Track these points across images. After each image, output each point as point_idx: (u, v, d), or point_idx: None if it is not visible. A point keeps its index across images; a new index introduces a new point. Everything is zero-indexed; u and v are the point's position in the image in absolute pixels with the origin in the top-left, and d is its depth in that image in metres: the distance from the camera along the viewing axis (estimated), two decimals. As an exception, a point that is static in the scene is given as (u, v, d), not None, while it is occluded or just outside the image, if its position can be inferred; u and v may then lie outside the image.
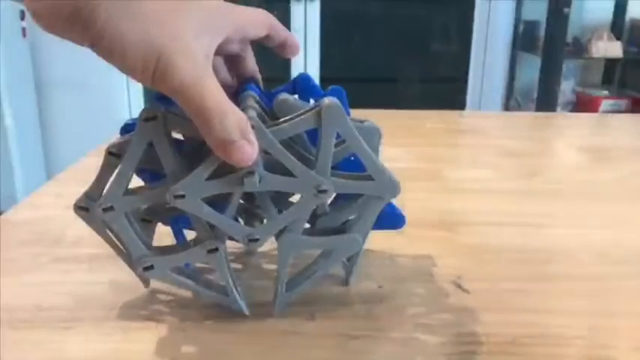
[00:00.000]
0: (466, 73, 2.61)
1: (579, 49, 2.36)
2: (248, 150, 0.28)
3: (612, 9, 2.46)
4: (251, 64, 0.37)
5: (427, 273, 0.41)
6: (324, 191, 0.31)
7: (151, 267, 0.33)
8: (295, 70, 2.41)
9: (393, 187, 0.33)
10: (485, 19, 2.51)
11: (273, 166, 0.31)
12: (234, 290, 0.34)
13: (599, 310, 0.37)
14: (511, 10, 2.48)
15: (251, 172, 0.30)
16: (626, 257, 0.44)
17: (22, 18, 2.12)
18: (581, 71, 2.58)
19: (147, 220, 0.37)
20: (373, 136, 0.34)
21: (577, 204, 0.55)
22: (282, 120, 0.31)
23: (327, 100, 0.30)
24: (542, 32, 2.26)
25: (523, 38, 2.49)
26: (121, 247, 0.35)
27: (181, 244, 0.36)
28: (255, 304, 0.36)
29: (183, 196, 0.30)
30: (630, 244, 0.46)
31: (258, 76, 0.37)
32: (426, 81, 2.84)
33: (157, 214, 0.37)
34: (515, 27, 2.50)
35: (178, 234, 0.39)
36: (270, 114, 0.33)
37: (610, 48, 2.31)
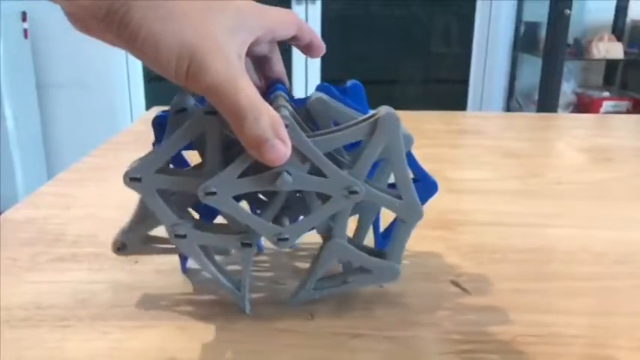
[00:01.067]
0: (467, 74, 2.61)
1: (580, 50, 2.36)
2: (281, 149, 0.29)
3: (613, 10, 2.46)
4: (279, 65, 0.37)
5: (427, 272, 0.41)
6: (355, 192, 0.31)
7: (184, 236, 0.32)
8: (296, 71, 2.41)
9: (417, 213, 0.33)
10: (487, 21, 2.51)
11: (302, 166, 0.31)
12: (247, 288, 0.35)
13: (599, 309, 0.37)
14: (512, 12, 2.48)
15: (283, 172, 0.30)
16: (625, 257, 0.44)
17: (24, 19, 2.12)
18: (582, 72, 2.58)
19: None
20: (407, 143, 0.34)
21: (577, 204, 0.55)
22: (335, 129, 0.31)
23: (384, 111, 0.31)
24: (543, 33, 2.26)
25: (524, 39, 2.49)
26: None
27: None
28: (256, 302, 0.36)
29: (214, 194, 0.30)
30: (629, 244, 0.46)
31: (286, 78, 0.37)
32: (427, 82, 2.85)
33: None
34: (517, 28, 2.50)
35: None
36: (301, 115, 0.33)
37: (611, 49, 2.31)
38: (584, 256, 0.44)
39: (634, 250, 0.45)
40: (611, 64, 2.53)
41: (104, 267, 0.41)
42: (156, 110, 0.99)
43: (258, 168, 0.30)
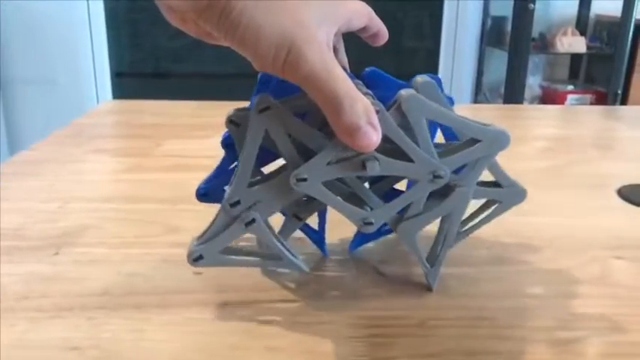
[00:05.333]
0: (436, 68, 2.63)
1: (545, 44, 2.39)
2: (373, 136, 0.29)
3: (577, 5, 2.50)
4: (343, 56, 0.37)
5: (350, 258, 0.41)
6: (440, 177, 0.32)
7: (305, 179, 0.32)
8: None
9: (504, 138, 0.34)
10: (455, 15, 2.53)
11: (385, 151, 0.31)
12: (293, 252, 0.35)
13: (510, 293, 0.37)
14: (479, 6, 2.51)
15: (372, 157, 0.31)
16: (549, 242, 0.44)
17: (-15, 14, 2.08)
18: (548, 67, 2.62)
19: None
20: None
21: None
22: None
23: (404, 93, 0.31)
24: (509, 28, 2.29)
25: (491, 34, 2.51)
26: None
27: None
28: (170, 291, 0.36)
29: (305, 180, 0.31)
30: (554, 229, 0.47)
31: (348, 69, 0.37)
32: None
33: None
34: (484, 22, 2.53)
35: None
36: None
37: (574, 43, 2.35)
38: (511, 241, 0.44)
39: (557, 234, 0.46)
40: (576, 58, 2.58)
41: (24, 259, 0.40)
42: (107, 104, 0.97)
43: (346, 155, 0.31)
